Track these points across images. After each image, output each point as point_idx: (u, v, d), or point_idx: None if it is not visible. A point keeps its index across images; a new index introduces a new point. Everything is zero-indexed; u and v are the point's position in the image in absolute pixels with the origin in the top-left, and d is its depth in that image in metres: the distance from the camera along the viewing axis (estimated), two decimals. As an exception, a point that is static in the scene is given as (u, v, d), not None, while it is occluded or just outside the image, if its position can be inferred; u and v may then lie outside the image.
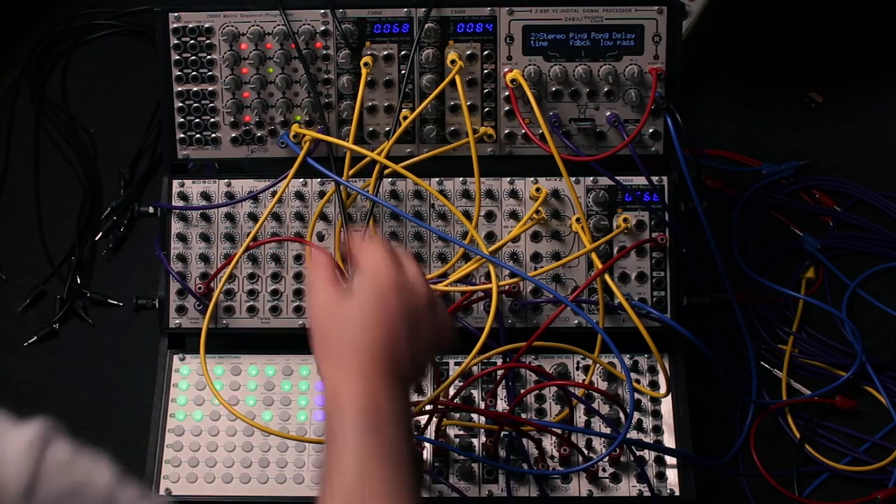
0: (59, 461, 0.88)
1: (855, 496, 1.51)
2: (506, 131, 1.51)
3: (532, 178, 1.51)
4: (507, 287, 1.47)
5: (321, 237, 1.52)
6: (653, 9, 1.48)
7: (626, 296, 1.47)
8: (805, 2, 1.89)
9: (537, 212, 1.49)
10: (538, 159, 1.50)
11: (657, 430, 1.47)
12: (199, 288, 1.50)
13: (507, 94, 1.49)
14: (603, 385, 1.49)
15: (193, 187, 1.53)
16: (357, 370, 1.03)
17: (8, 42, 1.93)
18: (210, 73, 1.51)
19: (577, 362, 1.51)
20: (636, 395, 1.47)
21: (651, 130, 1.50)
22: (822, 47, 1.89)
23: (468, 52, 1.49)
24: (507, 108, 1.50)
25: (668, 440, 1.47)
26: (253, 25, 1.49)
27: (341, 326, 1.06)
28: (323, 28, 1.49)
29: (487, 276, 1.47)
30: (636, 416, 1.48)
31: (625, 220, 1.49)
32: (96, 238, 1.74)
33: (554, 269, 1.49)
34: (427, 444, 1.45)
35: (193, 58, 1.50)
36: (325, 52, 1.49)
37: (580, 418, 1.48)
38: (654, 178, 1.50)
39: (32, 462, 0.86)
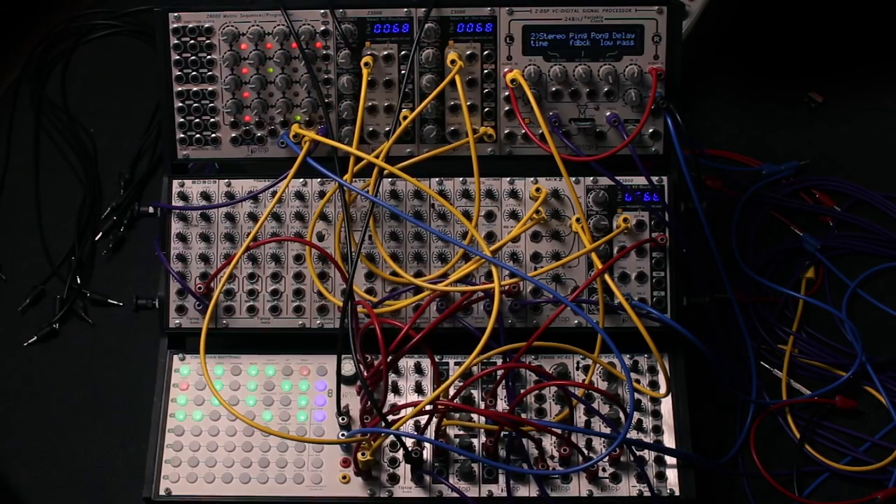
0: None
1: (855, 496, 1.51)
2: (506, 131, 1.51)
3: (532, 178, 1.51)
4: (507, 287, 1.47)
5: (321, 237, 1.52)
6: (653, 9, 1.48)
7: (626, 296, 1.47)
8: (805, 2, 1.89)
9: (537, 212, 1.49)
10: (538, 159, 1.50)
11: (657, 430, 1.47)
12: (199, 288, 1.50)
13: (507, 94, 1.49)
14: (603, 385, 1.49)
15: (193, 187, 1.53)
16: None
17: (8, 42, 1.93)
18: (210, 73, 1.51)
19: (577, 362, 1.51)
20: (636, 395, 1.47)
21: (651, 130, 1.50)
22: (822, 47, 1.89)
23: (468, 52, 1.49)
24: (507, 108, 1.50)
25: (668, 440, 1.47)
26: (253, 25, 1.49)
27: None
28: (323, 28, 1.49)
29: (487, 276, 1.47)
30: (636, 416, 1.48)
31: (625, 220, 1.49)
32: (96, 238, 1.74)
33: (554, 269, 1.49)
34: (427, 444, 1.45)
35: (193, 58, 1.50)
36: (325, 52, 1.49)
37: (580, 418, 1.48)
38: (654, 178, 1.49)
39: None
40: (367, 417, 1.45)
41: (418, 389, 1.49)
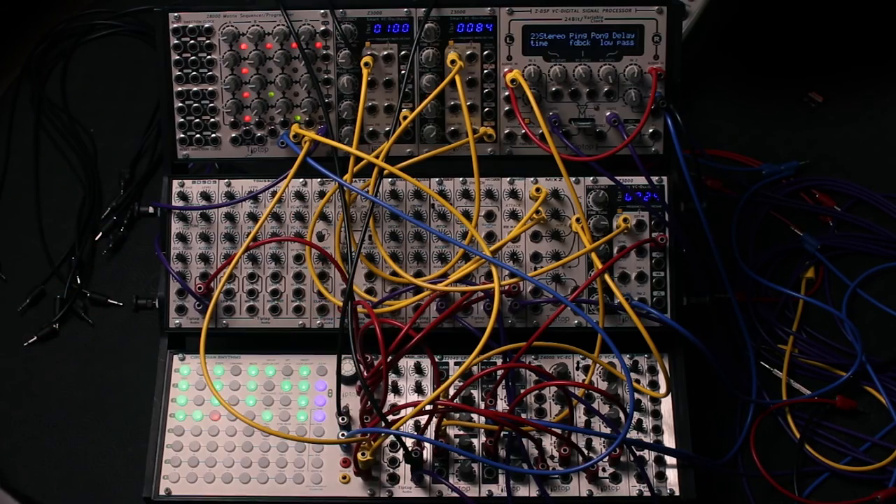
0: None
1: (855, 496, 1.51)
2: (506, 131, 1.51)
3: (532, 178, 1.51)
4: (507, 287, 1.47)
5: (321, 237, 1.52)
6: (653, 9, 1.48)
7: (626, 296, 1.47)
8: (805, 2, 1.90)
9: (537, 212, 1.49)
10: (538, 159, 1.50)
11: (657, 430, 1.47)
12: (199, 288, 1.50)
13: (507, 94, 1.49)
14: (603, 385, 1.49)
15: (193, 187, 1.53)
16: None
17: (8, 42, 1.93)
18: (210, 73, 1.51)
19: (577, 362, 1.51)
20: (636, 395, 1.47)
21: (651, 130, 1.50)
22: (822, 47, 1.89)
23: (468, 52, 1.49)
24: (507, 108, 1.50)
25: (668, 440, 1.47)
26: (253, 25, 1.49)
27: None
28: (323, 28, 1.49)
29: (487, 276, 1.47)
30: (636, 416, 1.48)
31: (625, 220, 1.49)
32: (96, 238, 1.74)
33: (554, 269, 1.49)
34: (427, 444, 1.45)
35: (193, 58, 1.50)
36: (325, 52, 1.49)
37: (580, 418, 1.48)
38: (654, 178, 1.49)
39: None
40: (367, 417, 1.45)
41: (418, 389, 1.49)
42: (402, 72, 1.49)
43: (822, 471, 1.54)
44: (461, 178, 1.51)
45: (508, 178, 1.51)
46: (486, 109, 1.51)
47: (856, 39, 1.90)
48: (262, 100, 1.51)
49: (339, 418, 1.46)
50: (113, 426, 1.58)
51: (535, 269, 1.50)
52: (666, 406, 1.49)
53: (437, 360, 1.49)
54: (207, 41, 1.50)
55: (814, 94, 1.84)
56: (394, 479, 1.45)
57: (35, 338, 1.66)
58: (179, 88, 1.51)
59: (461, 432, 1.47)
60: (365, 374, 1.44)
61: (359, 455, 1.41)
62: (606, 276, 1.46)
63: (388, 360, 1.43)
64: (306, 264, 1.50)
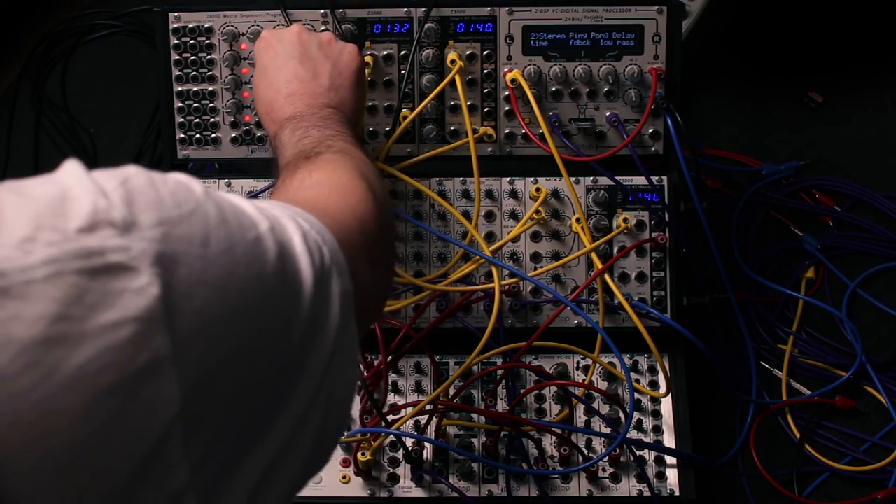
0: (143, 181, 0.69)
1: (855, 496, 1.51)
2: (506, 131, 1.51)
3: (532, 178, 1.51)
4: (507, 287, 1.47)
5: (321, 237, 1.51)
6: (653, 9, 1.48)
7: (626, 296, 1.47)
8: (805, 2, 1.89)
9: (537, 212, 1.49)
10: (538, 159, 1.50)
11: (657, 430, 1.47)
12: (199, 288, 1.50)
13: (506, 94, 1.49)
14: (603, 385, 1.49)
15: (193, 187, 1.52)
16: (280, 107, 1.25)
17: (8, 42, 1.93)
18: (210, 73, 1.51)
19: (577, 362, 1.51)
20: (636, 395, 1.47)
21: (651, 130, 1.50)
22: (822, 47, 1.88)
23: (468, 52, 1.49)
24: (506, 108, 1.50)
25: (668, 440, 1.47)
26: (253, 25, 1.49)
27: (258, 89, 1.32)
28: (323, 28, 1.49)
29: (487, 276, 1.48)
30: (636, 416, 1.48)
31: (625, 220, 1.49)
32: (96, 238, 1.74)
33: (554, 269, 1.49)
34: (427, 444, 1.45)
35: (193, 58, 1.50)
36: (325, 52, 1.49)
37: (580, 418, 1.48)
38: (654, 178, 1.49)
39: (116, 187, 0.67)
40: (367, 417, 1.45)
41: (418, 389, 1.49)
42: (402, 72, 1.49)
43: (822, 471, 1.54)
44: (461, 178, 1.51)
45: (508, 178, 1.51)
46: (486, 109, 1.51)
47: (856, 39, 1.90)
48: (262, 100, 1.51)
49: (339, 418, 1.46)
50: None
51: (535, 269, 1.50)
52: (666, 406, 1.49)
53: (437, 359, 1.49)
54: (207, 41, 1.50)
55: (814, 94, 1.84)
56: (394, 479, 1.45)
57: (35, 338, 1.65)
58: (179, 88, 1.51)
59: (461, 432, 1.47)
60: (365, 374, 1.44)
61: (359, 455, 1.41)
62: (606, 276, 1.46)
63: (388, 359, 1.43)
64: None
